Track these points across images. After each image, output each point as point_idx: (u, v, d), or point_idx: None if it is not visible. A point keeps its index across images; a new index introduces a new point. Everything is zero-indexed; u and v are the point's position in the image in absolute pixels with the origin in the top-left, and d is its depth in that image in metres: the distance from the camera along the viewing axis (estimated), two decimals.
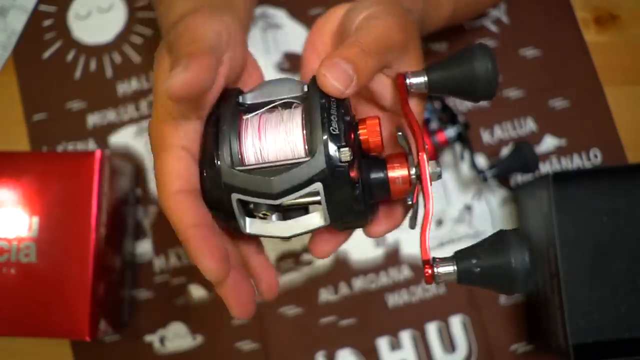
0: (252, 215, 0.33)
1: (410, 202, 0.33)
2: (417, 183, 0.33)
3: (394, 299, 0.57)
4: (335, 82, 0.31)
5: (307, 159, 0.31)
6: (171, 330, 0.57)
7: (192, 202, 0.31)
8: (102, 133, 0.60)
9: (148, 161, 0.59)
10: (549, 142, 0.59)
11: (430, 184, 0.32)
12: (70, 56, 0.62)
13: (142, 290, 0.58)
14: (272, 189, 0.31)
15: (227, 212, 0.32)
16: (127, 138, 0.60)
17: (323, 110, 0.31)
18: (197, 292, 0.57)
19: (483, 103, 0.59)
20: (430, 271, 0.31)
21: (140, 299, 0.57)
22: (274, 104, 0.34)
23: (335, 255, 0.57)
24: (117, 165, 0.54)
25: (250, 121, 0.33)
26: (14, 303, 0.50)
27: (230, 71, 0.34)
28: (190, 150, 0.32)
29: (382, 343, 0.56)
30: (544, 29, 0.61)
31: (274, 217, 0.33)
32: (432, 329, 0.56)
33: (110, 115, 0.60)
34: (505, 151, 0.58)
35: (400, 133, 0.34)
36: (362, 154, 0.34)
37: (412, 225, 0.35)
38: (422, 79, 0.34)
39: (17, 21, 0.62)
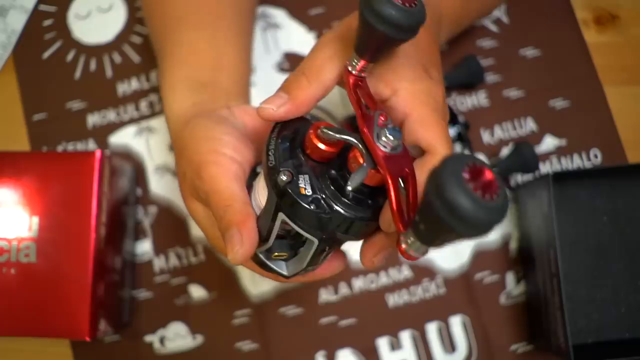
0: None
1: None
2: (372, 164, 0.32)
3: (394, 299, 0.57)
4: None
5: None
6: (171, 330, 0.57)
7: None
8: (102, 133, 0.60)
9: (148, 161, 0.59)
10: (549, 142, 0.59)
11: (382, 161, 0.31)
12: (70, 56, 0.62)
13: (142, 290, 0.58)
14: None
15: (268, 267, 0.37)
16: (127, 138, 0.60)
17: (264, 152, 0.34)
18: (197, 292, 0.57)
19: (483, 102, 0.59)
20: (401, 246, 0.30)
21: (140, 299, 0.57)
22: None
23: None
24: (117, 165, 0.54)
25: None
26: (14, 303, 0.50)
27: (250, 164, 0.39)
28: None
29: (382, 343, 0.56)
30: (544, 29, 0.61)
31: (300, 250, 0.36)
32: (432, 329, 0.56)
33: (110, 115, 0.60)
34: (505, 151, 0.58)
35: (324, 129, 0.34)
36: (324, 165, 0.35)
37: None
38: (356, 61, 0.34)
39: (17, 21, 0.62)
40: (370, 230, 0.35)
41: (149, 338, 0.57)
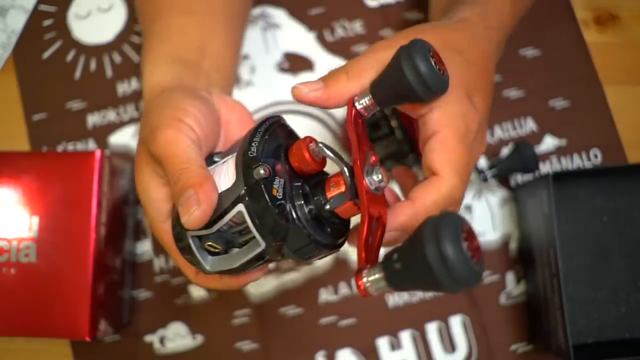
0: (212, 254, 0.36)
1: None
2: (354, 196, 0.33)
3: (394, 299, 0.57)
4: None
5: (231, 186, 0.33)
6: (171, 330, 0.57)
7: (206, 277, 0.39)
8: (102, 133, 0.60)
9: None
10: (549, 142, 0.59)
11: (365, 201, 0.31)
12: (70, 56, 0.62)
13: (142, 290, 0.58)
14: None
15: (190, 253, 0.35)
16: (127, 138, 0.60)
17: (249, 141, 0.33)
18: (197, 292, 0.57)
19: None
20: (360, 283, 0.29)
21: (140, 299, 0.57)
22: (225, 159, 0.36)
23: (335, 256, 0.57)
24: (117, 165, 0.54)
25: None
26: (14, 303, 0.50)
27: (208, 147, 0.39)
28: None
29: (382, 343, 0.56)
30: (544, 29, 0.61)
31: (233, 250, 0.35)
32: (432, 329, 0.56)
33: (110, 115, 0.60)
34: (505, 151, 0.58)
35: (320, 144, 0.34)
36: (301, 178, 0.35)
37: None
38: (367, 99, 0.34)
39: (17, 21, 0.62)
40: (314, 257, 0.34)
41: (149, 338, 0.57)
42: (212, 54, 0.47)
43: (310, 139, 0.34)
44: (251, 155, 0.33)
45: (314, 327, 0.56)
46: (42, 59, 0.61)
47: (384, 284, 0.28)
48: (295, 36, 0.61)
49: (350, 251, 0.57)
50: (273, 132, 0.35)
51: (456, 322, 0.56)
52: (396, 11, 0.61)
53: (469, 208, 0.58)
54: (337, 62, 0.60)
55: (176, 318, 0.57)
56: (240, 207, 0.32)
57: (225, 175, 0.34)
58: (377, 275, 0.28)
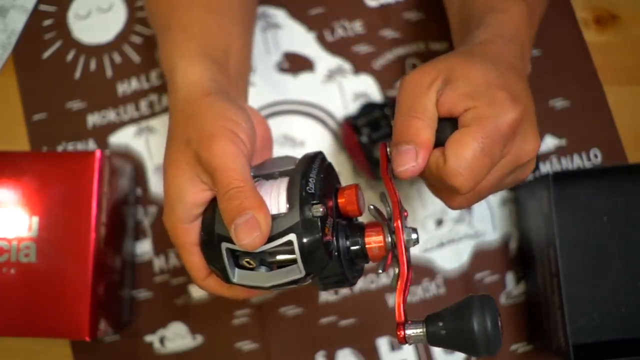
0: (241, 267, 0.37)
1: (380, 272, 0.36)
2: (391, 249, 0.36)
3: (393, 299, 0.57)
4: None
5: (285, 213, 0.35)
6: (171, 330, 0.57)
7: (218, 281, 0.39)
8: (102, 133, 0.60)
9: (148, 161, 0.59)
10: (549, 142, 0.59)
11: (406, 251, 0.35)
12: (70, 56, 0.62)
13: (142, 290, 0.58)
14: None
15: (219, 261, 0.36)
16: (127, 138, 0.60)
17: (304, 176, 0.36)
18: (197, 292, 0.57)
19: None
20: (402, 333, 0.34)
21: (140, 299, 0.57)
22: (271, 171, 0.39)
23: None
24: (117, 165, 0.54)
25: None
26: (14, 303, 0.50)
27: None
28: (198, 244, 0.39)
29: (382, 343, 0.56)
30: (544, 29, 0.60)
31: (262, 268, 0.36)
32: None
33: (110, 115, 0.60)
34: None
35: (371, 207, 0.37)
36: (342, 219, 0.38)
37: (394, 285, 0.36)
38: (420, 331, 0.34)
39: (17, 21, 0.62)
40: (333, 288, 0.38)
41: (149, 338, 0.57)
42: (234, 57, 0.46)
43: (357, 187, 0.38)
44: (309, 192, 0.35)
45: (314, 327, 0.56)
46: (42, 59, 0.61)
47: (424, 340, 0.33)
48: (295, 36, 0.61)
49: None
50: (325, 170, 0.38)
51: None
52: (396, 11, 0.61)
53: (469, 208, 0.58)
54: (337, 62, 0.60)
55: (176, 318, 0.57)
56: (292, 236, 0.34)
57: (274, 199, 0.36)
58: (419, 332, 0.34)
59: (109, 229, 0.52)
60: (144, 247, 0.58)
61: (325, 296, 0.57)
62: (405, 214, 0.37)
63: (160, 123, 0.60)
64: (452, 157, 0.35)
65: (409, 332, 0.34)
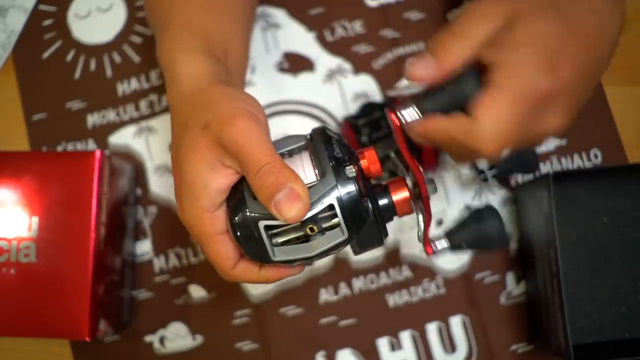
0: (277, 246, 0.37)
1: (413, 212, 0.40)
2: (417, 200, 0.39)
3: (394, 299, 0.57)
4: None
5: (318, 180, 0.36)
6: (171, 330, 0.57)
7: (247, 268, 0.39)
8: (102, 133, 0.60)
9: (148, 161, 0.59)
10: (549, 142, 0.59)
11: (428, 199, 0.38)
12: (70, 56, 0.61)
13: (142, 290, 0.58)
14: None
15: (256, 242, 0.36)
16: (127, 138, 0.60)
17: (327, 144, 0.37)
18: (197, 292, 0.57)
19: None
20: (430, 250, 0.39)
21: (140, 299, 0.57)
22: (282, 151, 0.39)
23: (335, 256, 0.57)
24: (117, 165, 0.54)
25: None
26: (14, 303, 0.50)
27: None
28: (224, 232, 0.38)
29: (382, 343, 0.56)
30: None
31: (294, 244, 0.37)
32: (432, 329, 0.56)
33: (110, 115, 0.60)
34: (505, 151, 0.58)
35: (393, 155, 0.39)
36: (366, 182, 0.39)
37: (420, 238, 0.40)
38: (445, 243, 0.40)
39: (17, 21, 0.62)
40: (368, 249, 0.39)
41: (148, 338, 0.57)
42: (232, 54, 0.46)
43: (374, 150, 0.39)
44: (337, 156, 0.36)
45: (314, 327, 0.56)
46: (42, 59, 0.61)
47: (447, 248, 0.39)
48: (295, 36, 0.61)
49: (350, 251, 0.57)
50: (340, 137, 0.39)
51: (456, 323, 0.56)
52: (396, 11, 0.61)
53: (469, 208, 0.58)
54: (337, 62, 0.60)
55: (176, 318, 0.57)
56: (332, 199, 0.35)
57: (301, 172, 0.37)
58: (444, 245, 0.39)
59: (109, 229, 0.52)
60: (144, 247, 0.58)
61: (326, 296, 0.57)
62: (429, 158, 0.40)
63: (160, 123, 0.60)
64: (486, 122, 0.34)
65: (436, 245, 0.39)
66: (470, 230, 0.39)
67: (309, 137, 0.39)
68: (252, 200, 0.36)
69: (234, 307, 0.57)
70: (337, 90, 0.60)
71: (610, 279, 0.50)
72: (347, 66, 0.60)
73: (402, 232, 0.57)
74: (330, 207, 0.35)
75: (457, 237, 0.39)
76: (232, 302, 0.57)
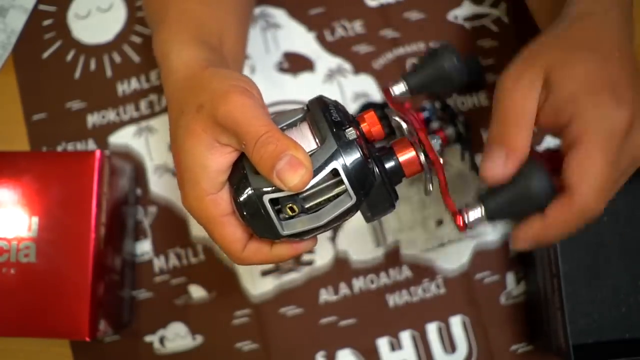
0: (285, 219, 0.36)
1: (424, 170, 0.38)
2: (425, 159, 0.37)
3: (394, 299, 0.57)
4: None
5: (319, 147, 0.35)
6: (171, 330, 0.57)
7: (257, 248, 0.38)
8: (102, 133, 0.60)
9: (148, 161, 0.59)
10: (549, 142, 0.58)
11: (437, 156, 0.36)
12: (70, 56, 0.61)
13: (142, 291, 0.58)
14: None
15: (264, 219, 0.35)
16: (127, 138, 0.60)
17: (324, 111, 0.36)
18: (197, 292, 0.57)
19: (483, 102, 0.59)
20: (461, 221, 0.35)
21: (140, 299, 0.57)
22: (281, 126, 0.38)
23: (335, 256, 0.57)
24: (117, 165, 0.54)
25: None
26: (14, 303, 0.50)
27: None
28: (230, 213, 0.37)
29: (382, 343, 0.56)
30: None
31: (302, 215, 0.36)
32: (432, 329, 0.56)
33: (110, 115, 0.60)
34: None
35: (395, 117, 0.38)
36: (369, 145, 0.37)
37: (427, 192, 0.38)
38: (402, 87, 0.40)
39: (17, 21, 0.62)
40: (380, 215, 0.38)
41: (148, 338, 0.57)
42: (227, 45, 0.46)
43: (374, 112, 0.38)
44: (336, 120, 0.35)
45: (314, 327, 0.56)
46: (42, 59, 0.61)
47: (484, 219, 0.35)
48: (295, 36, 0.61)
49: (350, 251, 0.57)
50: (335, 105, 0.38)
51: (456, 323, 0.56)
52: (396, 11, 0.61)
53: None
54: (337, 62, 0.60)
55: (176, 318, 0.57)
56: (336, 164, 0.34)
57: (300, 141, 0.35)
58: (478, 213, 0.35)
59: (109, 229, 0.52)
60: (144, 247, 0.58)
61: (326, 296, 0.57)
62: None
63: (160, 123, 0.60)
64: (584, 184, 0.34)
65: (469, 215, 0.35)
66: (510, 194, 0.35)
67: (305, 108, 0.39)
68: (254, 175, 0.35)
69: (234, 307, 0.57)
70: (337, 90, 0.60)
71: (610, 279, 0.50)
72: (347, 66, 0.60)
73: (402, 232, 0.57)
74: (335, 172, 0.34)
75: (494, 202, 0.35)
76: (232, 302, 0.57)
